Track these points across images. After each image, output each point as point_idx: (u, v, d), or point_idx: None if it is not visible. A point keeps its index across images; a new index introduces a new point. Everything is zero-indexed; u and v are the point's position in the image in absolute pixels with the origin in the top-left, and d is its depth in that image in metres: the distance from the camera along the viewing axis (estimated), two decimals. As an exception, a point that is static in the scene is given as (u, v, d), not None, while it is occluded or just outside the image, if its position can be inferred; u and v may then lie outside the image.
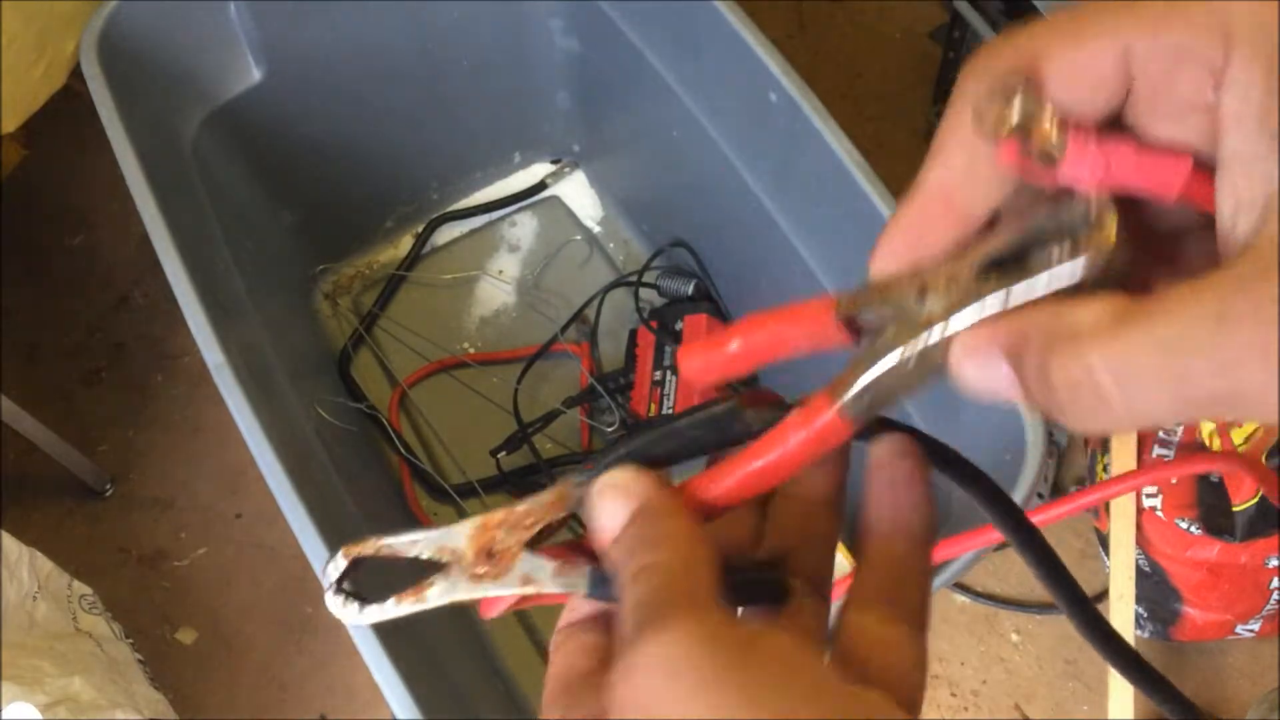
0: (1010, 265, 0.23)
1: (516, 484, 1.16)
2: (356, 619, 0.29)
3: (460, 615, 1.10)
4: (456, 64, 1.17)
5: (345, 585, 0.29)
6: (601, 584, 0.29)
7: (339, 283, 1.28)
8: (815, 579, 0.30)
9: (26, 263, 1.43)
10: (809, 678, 0.24)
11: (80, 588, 1.10)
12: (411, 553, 0.29)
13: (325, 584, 0.29)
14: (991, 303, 0.22)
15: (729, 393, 0.29)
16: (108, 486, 1.31)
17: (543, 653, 1.10)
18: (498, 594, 0.29)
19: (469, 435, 1.19)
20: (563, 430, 1.20)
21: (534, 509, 0.30)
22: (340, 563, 0.29)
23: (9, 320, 1.38)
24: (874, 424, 0.30)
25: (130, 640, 1.15)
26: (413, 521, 1.14)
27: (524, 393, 1.20)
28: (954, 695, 1.21)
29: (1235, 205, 0.21)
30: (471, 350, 1.25)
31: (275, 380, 0.95)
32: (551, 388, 1.22)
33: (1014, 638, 1.25)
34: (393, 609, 0.29)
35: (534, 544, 0.29)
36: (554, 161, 1.33)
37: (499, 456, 1.16)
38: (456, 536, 0.29)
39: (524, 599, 0.29)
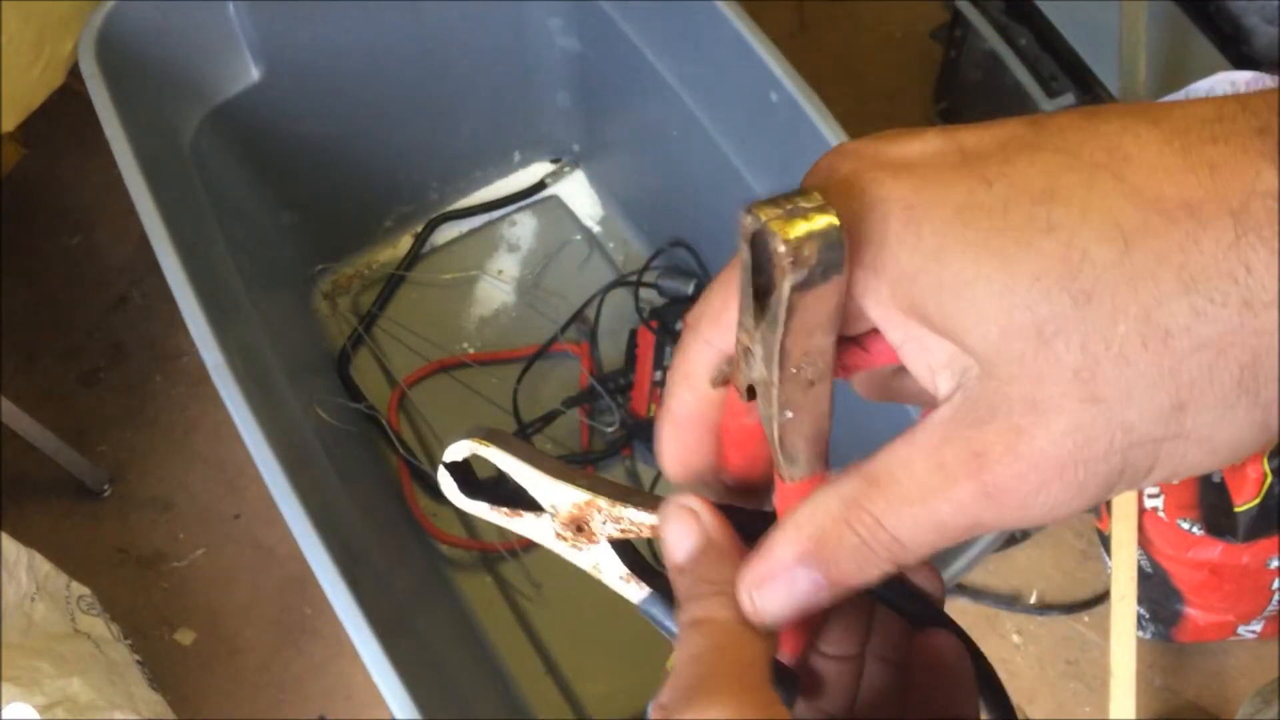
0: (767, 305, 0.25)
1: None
2: (458, 499, 0.33)
3: (460, 616, 1.10)
4: (456, 64, 1.17)
5: (457, 467, 0.33)
6: (654, 605, 0.32)
7: (338, 282, 1.28)
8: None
9: (25, 263, 1.43)
10: None
11: (79, 589, 1.10)
12: (521, 482, 0.32)
13: (444, 460, 0.33)
14: (769, 339, 0.25)
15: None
16: (106, 487, 1.31)
17: (543, 653, 1.10)
18: (569, 559, 0.32)
19: (469, 436, 1.18)
20: (563, 430, 1.20)
21: (634, 519, 0.32)
22: (461, 451, 0.32)
23: (8, 320, 1.38)
24: (929, 613, 0.32)
25: (129, 641, 1.15)
26: (412, 522, 1.14)
27: (524, 393, 1.20)
28: (955, 696, 1.21)
29: (926, 373, 0.25)
30: (471, 350, 1.25)
31: (274, 380, 0.95)
32: (551, 388, 1.22)
33: (1015, 639, 1.25)
34: (483, 510, 0.33)
35: (619, 542, 0.32)
36: (554, 161, 1.33)
37: (499, 457, 1.16)
38: (563, 496, 0.32)
39: None
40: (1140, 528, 1.11)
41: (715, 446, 0.31)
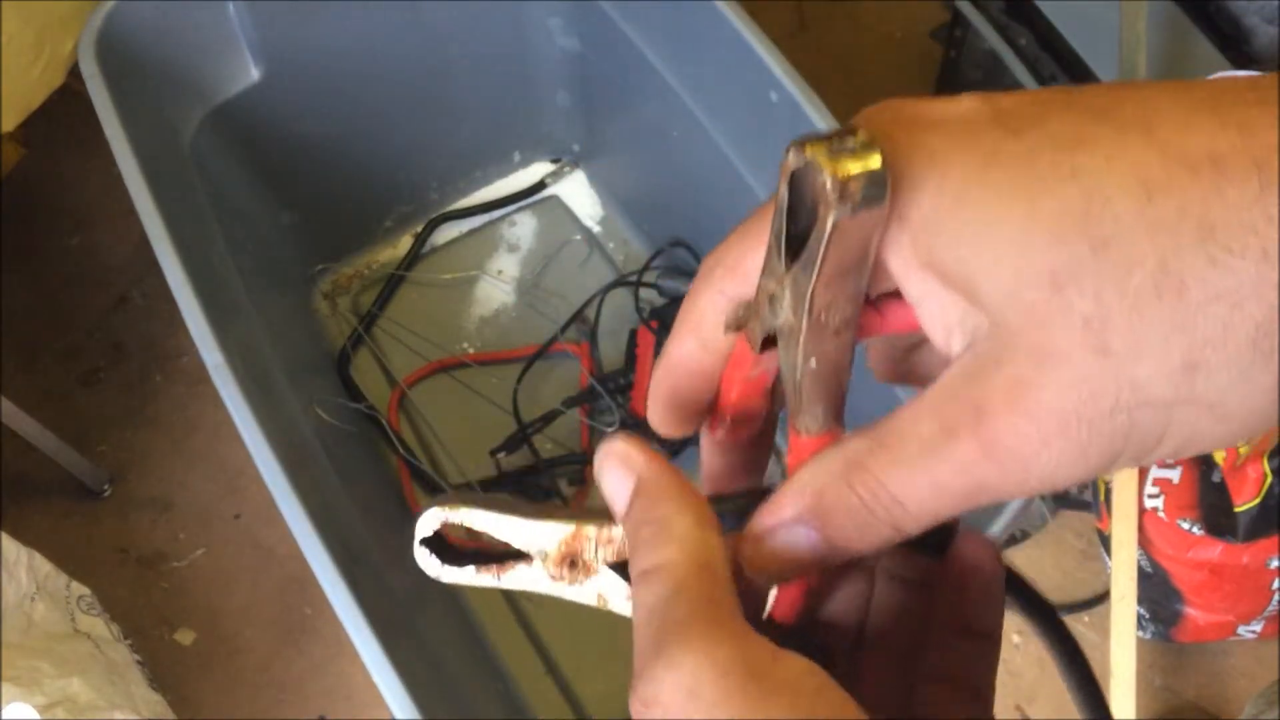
0: (802, 240, 0.25)
1: (516, 484, 1.16)
2: (438, 573, 0.31)
3: (460, 616, 1.10)
4: (456, 64, 1.16)
5: (431, 539, 0.31)
6: None
7: (338, 282, 1.28)
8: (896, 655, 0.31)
9: (25, 263, 1.43)
10: (825, 708, 0.24)
11: (79, 588, 1.10)
12: (501, 535, 0.30)
13: (416, 536, 0.31)
14: (802, 280, 0.25)
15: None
16: (106, 487, 1.31)
17: (543, 653, 1.10)
18: (571, 598, 0.31)
19: (468, 435, 1.19)
20: (563, 430, 1.20)
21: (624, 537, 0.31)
22: (432, 523, 0.31)
23: (8, 320, 1.38)
24: (950, 529, 0.31)
25: (129, 641, 1.15)
26: (412, 522, 1.14)
27: (524, 393, 1.20)
28: (955, 696, 1.21)
29: (941, 333, 0.25)
30: (471, 350, 1.24)
31: (274, 380, 0.95)
32: (551, 388, 1.22)
33: (1015, 639, 1.25)
34: (470, 576, 0.31)
35: (618, 564, 0.30)
36: (554, 161, 1.33)
37: (499, 457, 1.16)
38: (549, 535, 0.30)
39: None
40: (1140, 528, 1.11)
41: (710, 397, 0.30)
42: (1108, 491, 1.13)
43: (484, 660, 1.08)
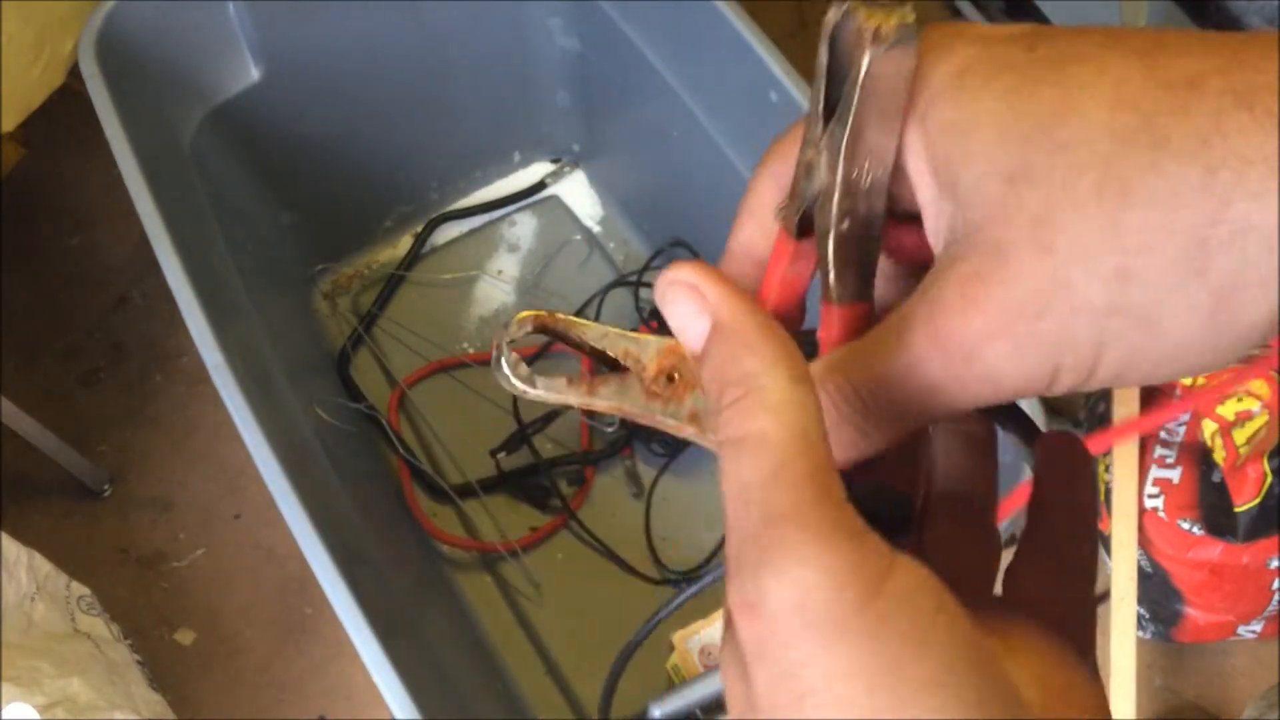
0: (837, 108, 0.26)
1: (516, 485, 1.16)
2: (522, 389, 0.28)
3: (460, 616, 1.10)
4: (456, 64, 1.17)
5: (516, 352, 0.28)
6: None
7: (338, 282, 1.28)
8: (964, 513, 0.30)
9: (25, 263, 1.43)
10: (942, 629, 0.21)
11: (79, 588, 1.10)
12: (597, 343, 0.28)
13: (499, 345, 0.28)
14: (838, 134, 0.26)
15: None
16: (106, 487, 1.31)
17: (543, 653, 1.10)
18: (663, 420, 0.28)
19: (468, 435, 1.19)
20: (562, 430, 1.20)
21: None
22: (523, 326, 0.28)
23: (8, 320, 1.38)
24: (1032, 428, 0.31)
25: (129, 641, 1.15)
26: (412, 522, 1.14)
27: (524, 393, 1.20)
28: (955, 696, 1.20)
29: (936, 239, 0.25)
30: (471, 350, 1.25)
31: (274, 380, 0.95)
32: (551, 388, 1.22)
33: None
34: (559, 392, 0.28)
35: None
36: (554, 161, 1.33)
37: (499, 457, 1.16)
38: (646, 345, 0.28)
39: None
40: (1140, 528, 1.11)
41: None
42: (1108, 491, 1.13)
43: (484, 660, 1.08)
